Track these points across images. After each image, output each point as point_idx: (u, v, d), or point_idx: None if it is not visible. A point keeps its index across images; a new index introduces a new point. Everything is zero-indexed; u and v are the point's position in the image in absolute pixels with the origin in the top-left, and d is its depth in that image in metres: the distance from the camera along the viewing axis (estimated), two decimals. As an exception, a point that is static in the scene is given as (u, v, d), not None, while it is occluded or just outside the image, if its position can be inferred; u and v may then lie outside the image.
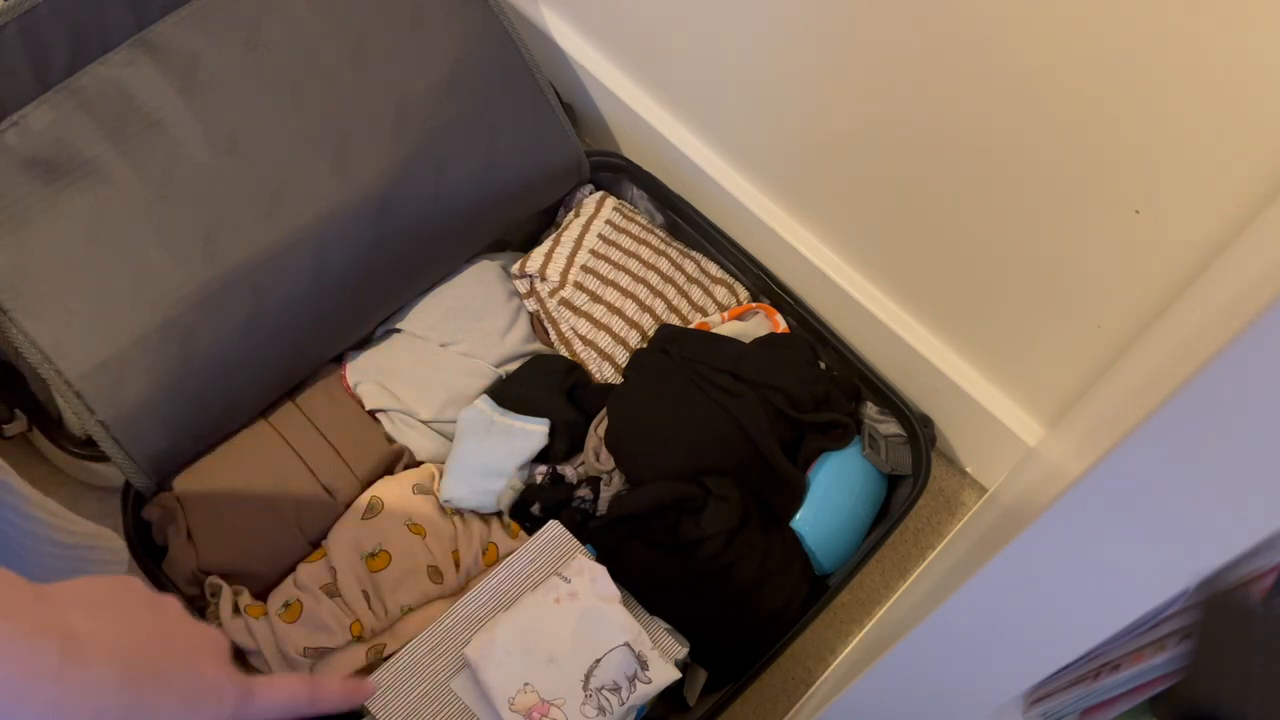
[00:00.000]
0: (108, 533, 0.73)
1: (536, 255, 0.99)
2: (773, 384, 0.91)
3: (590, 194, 1.06)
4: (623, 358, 0.97)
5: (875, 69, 0.80)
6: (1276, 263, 0.47)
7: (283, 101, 0.85)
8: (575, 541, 0.85)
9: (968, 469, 1.09)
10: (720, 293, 1.04)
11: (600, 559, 0.85)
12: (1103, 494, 0.46)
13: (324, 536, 0.87)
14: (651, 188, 1.06)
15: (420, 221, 0.90)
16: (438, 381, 0.93)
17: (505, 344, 0.96)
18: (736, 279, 1.06)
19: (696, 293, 1.03)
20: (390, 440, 0.92)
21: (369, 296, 0.92)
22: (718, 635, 0.87)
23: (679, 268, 1.03)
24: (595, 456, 0.91)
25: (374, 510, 0.86)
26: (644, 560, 0.86)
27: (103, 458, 0.84)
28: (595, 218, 1.02)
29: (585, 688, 0.79)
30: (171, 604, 0.46)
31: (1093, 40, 0.65)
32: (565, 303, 0.97)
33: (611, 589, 0.82)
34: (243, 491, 0.85)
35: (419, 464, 0.92)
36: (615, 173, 1.07)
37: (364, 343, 0.96)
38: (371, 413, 0.92)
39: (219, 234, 0.82)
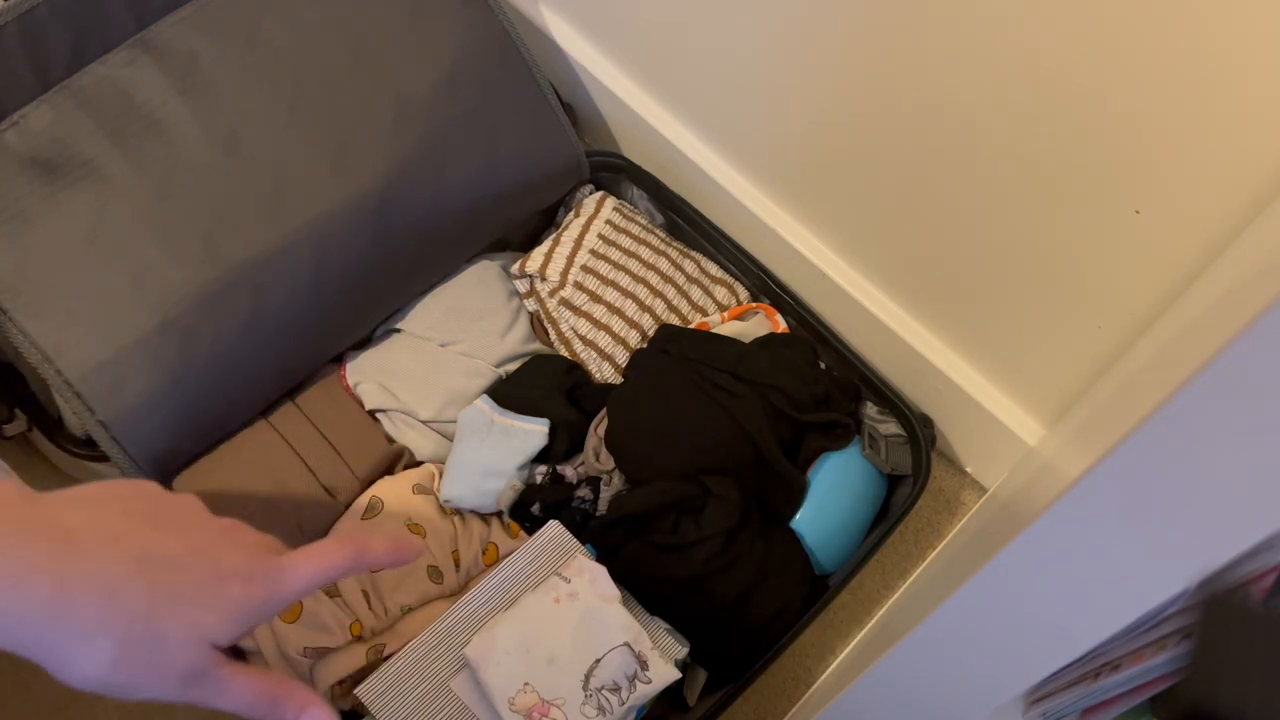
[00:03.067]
0: None
1: (536, 255, 0.99)
2: (773, 384, 0.91)
3: (590, 194, 1.06)
4: (623, 358, 0.97)
5: (875, 70, 0.80)
6: (1276, 263, 0.47)
7: (283, 101, 0.85)
8: (575, 541, 0.85)
9: (968, 469, 1.09)
10: (720, 293, 1.04)
11: (600, 559, 0.85)
12: (1103, 494, 0.46)
13: (324, 536, 0.87)
14: (651, 188, 1.06)
15: (420, 221, 0.90)
16: (438, 381, 0.93)
17: (505, 344, 0.97)
18: (736, 279, 1.06)
19: (696, 293, 1.03)
20: (390, 440, 0.92)
21: (369, 296, 0.92)
22: (718, 635, 0.87)
23: (679, 268, 1.03)
24: (595, 456, 0.91)
25: (374, 510, 0.86)
26: (644, 560, 0.86)
27: (103, 458, 0.84)
28: (595, 218, 1.02)
29: (585, 688, 0.79)
30: (189, 500, 0.45)
31: (1093, 39, 0.65)
32: (565, 303, 0.97)
33: (611, 589, 0.82)
34: (243, 491, 0.85)
35: (419, 464, 0.92)
36: (615, 173, 1.07)
37: (364, 343, 0.96)
38: (371, 413, 0.92)
39: (219, 234, 0.82)
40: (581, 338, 0.97)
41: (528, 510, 0.90)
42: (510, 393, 0.92)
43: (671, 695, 0.87)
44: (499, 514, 0.90)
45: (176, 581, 0.41)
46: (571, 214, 1.04)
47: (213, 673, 0.42)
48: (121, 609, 0.39)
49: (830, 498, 0.93)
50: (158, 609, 0.40)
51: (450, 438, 0.92)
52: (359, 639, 0.83)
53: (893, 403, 0.98)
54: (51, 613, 0.37)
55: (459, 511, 0.89)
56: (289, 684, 0.46)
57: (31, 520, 0.38)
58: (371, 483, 0.89)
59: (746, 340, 0.98)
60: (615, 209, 1.04)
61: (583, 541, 0.86)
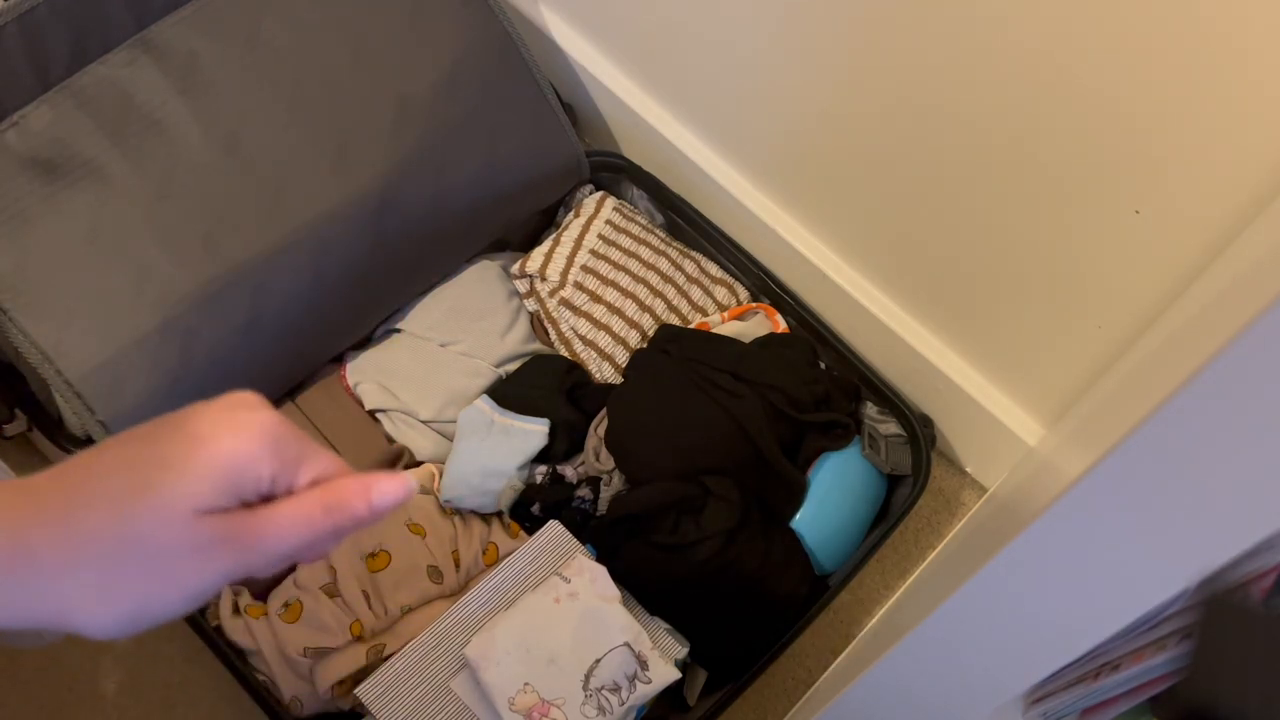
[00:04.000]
0: None
1: (536, 255, 0.99)
2: (773, 384, 0.91)
3: (590, 194, 1.06)
4: (623, 358, 0.97)
5: (875, 70, 0.80)
6: (1276, 263, 0.47)
7: (283, 101, 0.85)
8: (575, 541, 0.85)
9: (968, 469, 1.09)
10: (720, 293, 1.04)
11: (600, 559, 0.85)
12: (1102, 494, 0.46)
13: (324, 536, 0.87)
14: (651, 188, 1.06)
15: (420, 221, 0.90)
16: (438, 381, 0.93)
17: (505, 344, 0.96)
18: (736, 279, 1.06)
19: (696, 293, 1.03)
20: (390, 440, 0.92)
21: (369, 296, 0.92)
22: (717, 635, 0.87)
23: (679, 268, 1.03)
24: (595, 456, 0.91)
25: (374, 510, 0.86)
26: (644, 560, 0.86)
27: (103, 458, 0.84)
28: (595, 218, 1.02)
29: (585, 688, 0.79)
30: None
31: (1094, 40, 0.65)
32: (565, 303, 0.97)
33: (611, 589, 0.83)
34: (243, 491, 0.85)
35: (419, 464, 0.92)
36: (615, 173, 1.07)
37: (364, 343, 0.96)
38: (371, 413, 0.92)
39: (219, 234, 0.82)
40: (581, 338, 0.97)
41: (528, 510, 0.90)
42: (510, 393, 0.92)
43: (671, 695, 0.87)
44: (499, 514, 0.90)
45: (135, 456, 0.34)
46: (571, 214, 1.04)
47: (232, 532, 0.34)
48: (81, 533, 0.33)
49: (830, 498, 0.93)
50: (119, 504, 0.33)
51: (450, 438, 0.92)
52: (359, 639, 0.83)
53: (893, 403, 0.98)
54: (22, 568, 0.33)
55: (459, 511, 0.89)
56: (341, 482, 0.36)
57: None
58: (371, 483, 0.88)
59: (746, 340, 0.98)
60: (615, 209, 1.04)
61: (583, 541, 0.86)
